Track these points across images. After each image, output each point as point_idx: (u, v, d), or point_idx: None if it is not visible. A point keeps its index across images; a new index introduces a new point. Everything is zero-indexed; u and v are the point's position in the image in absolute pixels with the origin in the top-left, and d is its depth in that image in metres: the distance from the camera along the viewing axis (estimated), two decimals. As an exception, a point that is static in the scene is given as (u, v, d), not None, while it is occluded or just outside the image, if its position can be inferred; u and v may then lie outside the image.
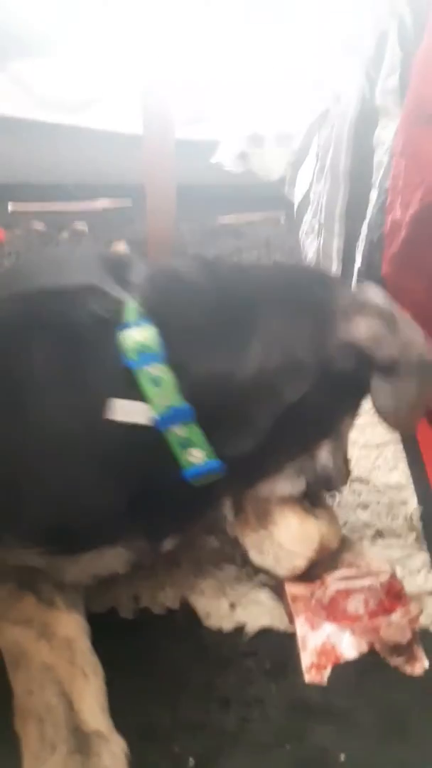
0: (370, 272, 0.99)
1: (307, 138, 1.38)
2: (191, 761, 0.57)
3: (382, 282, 0.95)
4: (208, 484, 0.62)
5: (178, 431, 0.60)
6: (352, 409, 0.70)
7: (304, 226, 1.30)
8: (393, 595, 0.69)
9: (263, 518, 0.70)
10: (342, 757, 0.58)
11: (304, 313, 0.64)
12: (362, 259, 1.03)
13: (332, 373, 0.62)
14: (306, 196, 1.33)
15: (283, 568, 0.70)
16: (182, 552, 0.75)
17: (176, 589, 0.72)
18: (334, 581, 0.69)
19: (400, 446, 0.93)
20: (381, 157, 1.03)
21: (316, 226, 1.22)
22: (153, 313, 0.61)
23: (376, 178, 1.03)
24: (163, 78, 1.23)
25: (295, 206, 1.37)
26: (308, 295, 0.65)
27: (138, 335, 0.60)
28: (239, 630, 0.69)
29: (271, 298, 0.64)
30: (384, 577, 0.69)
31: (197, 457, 0.61)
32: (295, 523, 0.69)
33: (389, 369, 0.62)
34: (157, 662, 0.65)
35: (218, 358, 0.61)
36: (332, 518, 0.73)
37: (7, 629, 0.61)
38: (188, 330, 0.62)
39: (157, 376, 0.59)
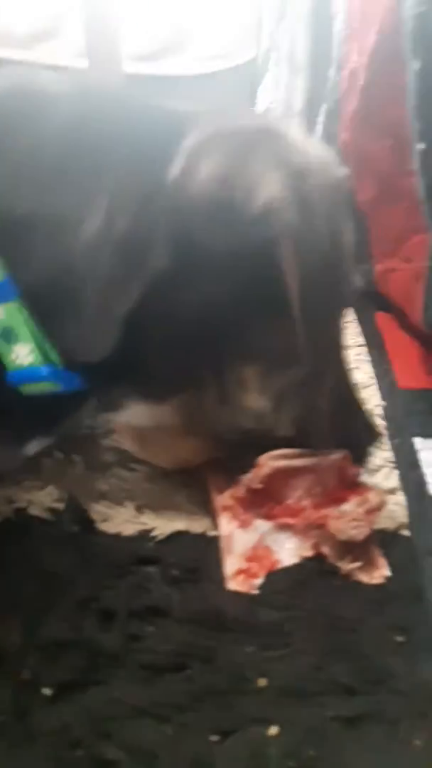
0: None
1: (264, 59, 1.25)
2: (46, 691, 0.41)
3: (339, 157, 0.80)
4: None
5: None
6: (286, 321, 0.45)
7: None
8: (346, 480, 0.52)
9: None
10: (262, 682, 0.41)
11: (156, 160, 0.43)
12: (320, 140, 0.88)
13: (199, 244, 0.42)
14: (266, 110, 1.19)
15: (164, 461, 0.54)
16: (77, 449, 0.59)
17: (63, 490, 0.56)
18: (268, 459, 0.52)
19: (364, 349, 0.79)
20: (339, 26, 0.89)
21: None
22: None
23: (337, 52, 0.89)
24: (109, 7, 1.17)
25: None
26: (167, 135, 0.44)
27: None
28: (144, 535, 0.53)
29: (129, 141, 0.45)
30: (334, 458, 0.52)
31: (23, 355, 0.44)
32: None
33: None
34: (25, 572, 0.49)
35: (54, 216, 0.43)
36: None
37: None
38: (21, 166, 0.44)
39: None
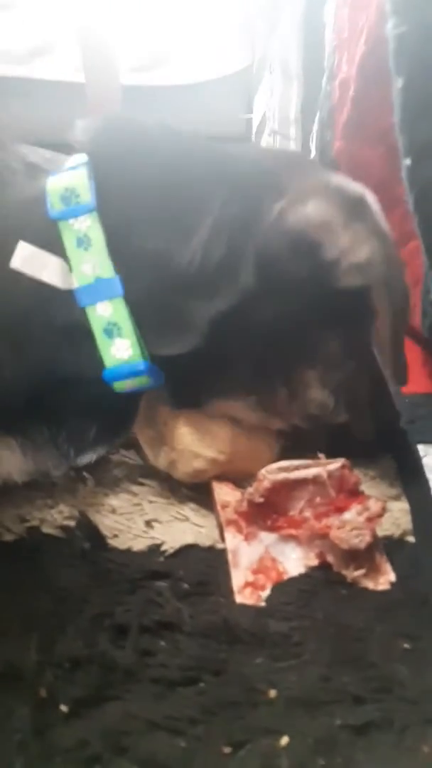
0: (323, 158, 0.85)
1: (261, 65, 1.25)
2: (63, 708, 0.42)
3: (334, 165, 0.81)
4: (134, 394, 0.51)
5: (103, 311, 0.47)
6: (339, 331, 0.54)
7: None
8: (347, 489, 0.53)
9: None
10: (272, 693, 0.42)
11: (254, 199, 0.50)
12: (315, 149, 0.89)
13: (283, 273, 0.49)
14: (263, 119, 1.20)
15: (179, 471, 0.55)
16: (87, 466, 0.60)
17: (74, 507, 0.57)
18: (269, 473, 0.53)
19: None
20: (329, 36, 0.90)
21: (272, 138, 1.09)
22: (94, 164, 0.50)
23: (328, 61, 0.90)
24: (103, 21, 1.19)
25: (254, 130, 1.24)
26: (265, 179, 0.51)
27: (66, 179, 0.48)
28: (154, 550, 0.54)
29: (227, 180, 0.51)
30: (334, 467, 0.53)
31: (122, 349, 0.48)
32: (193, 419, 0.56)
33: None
34: (39, 589, 0.50)
35: (161, 233, 0.49)
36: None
37: None
38: (132, 191, 0.50)
39: (85, 235, 0.47)
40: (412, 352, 0.77)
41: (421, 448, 0.62)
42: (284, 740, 0.39)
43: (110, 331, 0.48)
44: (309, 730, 0.39)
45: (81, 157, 0.51)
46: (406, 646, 0.45)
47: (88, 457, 0.57)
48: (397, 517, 0.55)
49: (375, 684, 0.42)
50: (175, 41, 1.48)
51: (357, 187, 0.51)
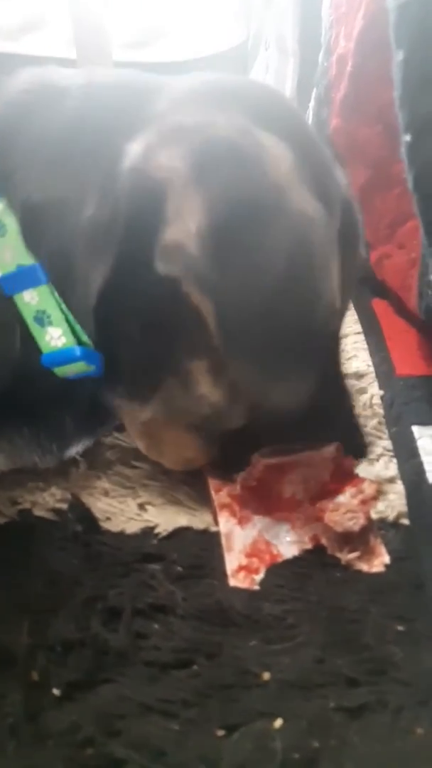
0: (319, 136, 0.83)
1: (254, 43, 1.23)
2: (55, 691, 0.41)
3: (331, 143, 0.80)
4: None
5: (30, 298, 0.45)
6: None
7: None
8: (340, 472, 0.52)
9: None
10: (266, 675, 0.42)
11: (111, 143, 0.43)
12: (312, 126, 0.87)
13: (137, 236, 0.41)
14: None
15: (169, 461, 0.55)
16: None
17: (66, 489, 0.56)
18: (261, 457, 0.52)
19: (361, 336, 0.78)
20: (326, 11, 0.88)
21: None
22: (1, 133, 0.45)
23: (325, 37, 0.88)
24: None
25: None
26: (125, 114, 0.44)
27: None
28: (147, 533, 0.54)
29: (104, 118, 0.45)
30: (328, 450, 0.52)
31: (55, 338, 0.46)
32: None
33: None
34: (31, 573, 0.49)
35: (64, 198, 0.44)
36: None
37: None
38: (39, 156, 0.45)
39: None
40: (408, 335, 0.77)
41: (416, 430, 0.62)
42: (278, 723, 0.39)
43: (41, 320, 0.45)
44: (303, 713, 0.39)
45: None
46: (400, 628, 0.45)
47: (74, 450, 0.56)
48: (392, 500, 0.55)
49: (369, 666, 0.42)
50: (169, 17, 1.45)
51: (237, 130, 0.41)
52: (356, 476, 0.53)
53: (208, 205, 0.40)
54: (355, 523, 0.49)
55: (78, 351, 0.45)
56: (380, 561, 0.50)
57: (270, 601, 0.47)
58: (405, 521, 0.54)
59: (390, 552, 0.51)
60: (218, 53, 1.37)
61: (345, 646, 0.44)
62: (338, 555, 0.50)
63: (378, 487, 0.52)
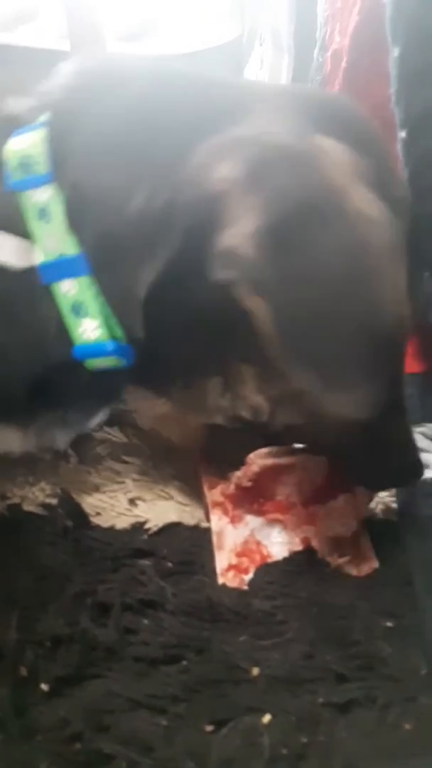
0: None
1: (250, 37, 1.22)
2: (44, 686, 0.41)
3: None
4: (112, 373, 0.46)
5: (68, 289, 0.44)
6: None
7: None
8: (335, 477, 0.52)
9: None
10: (255, 671, 0.42)
11: (180, 146, 0.43)
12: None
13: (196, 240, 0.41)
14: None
15: (174, 437, 0.55)
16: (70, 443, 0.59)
17: (56, 484, 0.56)
18: (258, 458, 0.52)
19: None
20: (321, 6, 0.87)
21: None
22: (60, 118, 0.44)
23: (320, 32, 0.88)
24: None
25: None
26: (199, 121, 0.44)
27: (23, 142, 0.44)
28: (137, 528, 0.53)
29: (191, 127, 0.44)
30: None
31: (89, 330, 0.45)
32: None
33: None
34: (21, 568, 0.49)
35: (113, 185, 0.43)
36: None
37: None
38: (95, 146, 0.44)
39: (45, 206, 0.43)
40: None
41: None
42: (267, 718, 0.39)
43: (77, 310, 0.45)
44: (291, 708, 0.39)
45: (40, 108, 0.45)
46: (388, 624, 0.45)
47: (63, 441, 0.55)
48: (381, 496, 0.55)
49: (358, 662, 0.42)
50: (164, 10, 1.45)
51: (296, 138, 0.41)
52: (350, 482, 0.52)
53: (263, 209, 0.39)
54: (347, 529, 0.49)
55: (110, 345, 0.45)
56: (369, 566, 0.50)
57: (259, 597, 0.47)
58: (393, 518, 0.54)
59: (379, 549, 0.51)
60: (213, 47, 1.37)
61: (334, 642, 0.44)
62: (328, 559, 0.50)
63: (371, 494, 0.52)
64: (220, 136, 0.42)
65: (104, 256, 0.44)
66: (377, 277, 0.41)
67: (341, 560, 0.50)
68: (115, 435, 0.62)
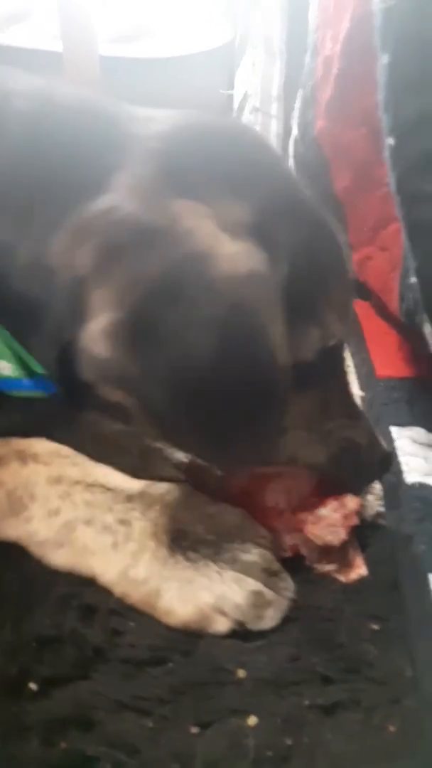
0: (305, 137, 0.84)
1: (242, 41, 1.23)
2: (32, 686, 0.41)
3: (316, 146, 0.80)
4: None
5: None
6: None
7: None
8: (324, 485, 0.52)
9: None
10: (241, 673, 0.42)
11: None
12: (297, 127, 0.87)
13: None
14: (245, 96, 1.18)
15: None
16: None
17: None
18: (245, 465, 0.52)
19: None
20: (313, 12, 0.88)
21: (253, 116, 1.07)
22: None
23: (312, 38, 0.88)
24: None
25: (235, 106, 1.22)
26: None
27: None
28: (124, 531, 0.53)
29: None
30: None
31: (5, 369, 0.46)
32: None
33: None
34: (7, 569, 0.49)
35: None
36: None
37: None
38: None
39: None
40: (389, 337, 0.77)
41: (395, 431, 0.62)
42: (252, 720, 0.39)
43: None
44: (277, 710, 0.40)
45: None
46: (374, 627, 0.45)
47: None
48: (370, 500, 0.55)
49: (343, 664, 0.43)
50: (157, 13, 1.45)
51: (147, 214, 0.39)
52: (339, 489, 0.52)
53: (115, 300, 0.37)
54: (335, 538, 0.49)
55: (25, 383, 0.47)
56: (357, 573, 0.50)
57: (246, 599, 0.47)
58: (382, 522, 0.54)
59: (366, 552, 0.51)
60: (205, 51, 1.37)
61: (320, 644, 0.44)
62: (316, 566, 0.50)
63: (361, 502, 0.52)
64: (79, 216, 0.40)
65: (6, 307, 0.43)
66: (251, 340, 0.39)
67: (329, 567, 0.50)
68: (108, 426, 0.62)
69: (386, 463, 0.54)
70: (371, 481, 0.56)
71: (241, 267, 0.38)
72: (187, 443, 0.45)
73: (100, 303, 0.38)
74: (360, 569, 0.50)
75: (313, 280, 0.44)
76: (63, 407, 0.50)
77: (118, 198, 0.39)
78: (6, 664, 0.42)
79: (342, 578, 0.50)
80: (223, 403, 0.40)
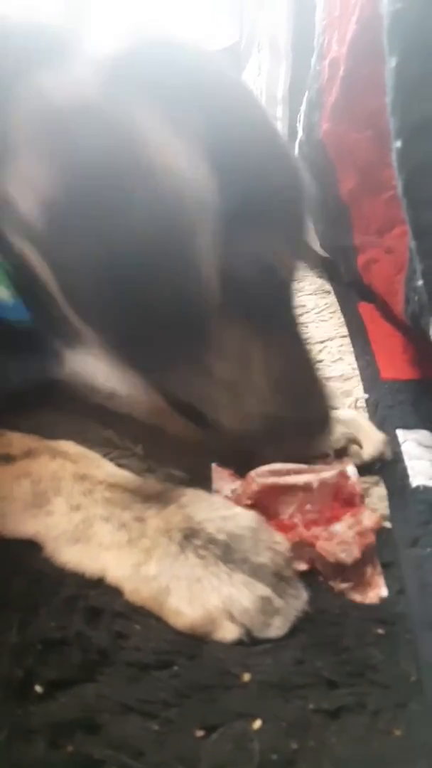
0: (310, 139, 0.84)
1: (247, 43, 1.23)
2: (38, 689, 0.41)
3: (322, 148, 0.80)
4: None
5: None
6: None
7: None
8: (341, 499, 0.51)
9: None
10: (246, 676, 0.42)
11: None
12: (303, 129, 0.87)
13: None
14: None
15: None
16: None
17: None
18: (257, 476, 0.52)
19: (347, 339, 0.79)
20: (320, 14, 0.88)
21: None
22: None
23: (318, 40, 0.88)
24: None
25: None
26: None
27: None
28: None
29: None
30: (328, 475, 0.51)
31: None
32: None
33: None
34: (13, 572, 0.49)
35: None
36: None
37: None
38: None
39: None
40: (394, 339, 0.77)
41: (400, 434, 0.62)
42: (257, 724, 0.39)
43: None
44: (282, 714, 0.40)
45: None
46: (380, 631, 0.45)
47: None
48: (375, 503, 0.55)
49: (348, 668, 0.42)
50: (162, 14, 1.45)
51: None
52: (358, 504, 0.51)
53: (53, 172, 0.37)
54: (348, 555, 0.48)
55: (22, 312, 0.47)
56: (375, 594, 0.48)
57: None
58: (387, 525, 0.54)
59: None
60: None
61: (325, 648, 0.44)
62: (330, 583, 0.48)
63: (379, 519, 0.50)
64: (28, 88, 0.39)
65: None
66: (182, 232, 0.39)
67: (344, 585, 0.48)
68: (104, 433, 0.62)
69: (325, 422, 0.52)
70: (311, 439, 0.54)
71: (182, 163, 0.39)
72: (109, 339, 0.43)
73: (37, 171, 0.37)
74: (378, 589, 0.48)
75: (261, 199, 0.43)
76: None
77: (71, 79, 0.40)
78: (11, 667, 0.42)
79: (358, 598, 0.48)
80: (147, 294, 0.39)
